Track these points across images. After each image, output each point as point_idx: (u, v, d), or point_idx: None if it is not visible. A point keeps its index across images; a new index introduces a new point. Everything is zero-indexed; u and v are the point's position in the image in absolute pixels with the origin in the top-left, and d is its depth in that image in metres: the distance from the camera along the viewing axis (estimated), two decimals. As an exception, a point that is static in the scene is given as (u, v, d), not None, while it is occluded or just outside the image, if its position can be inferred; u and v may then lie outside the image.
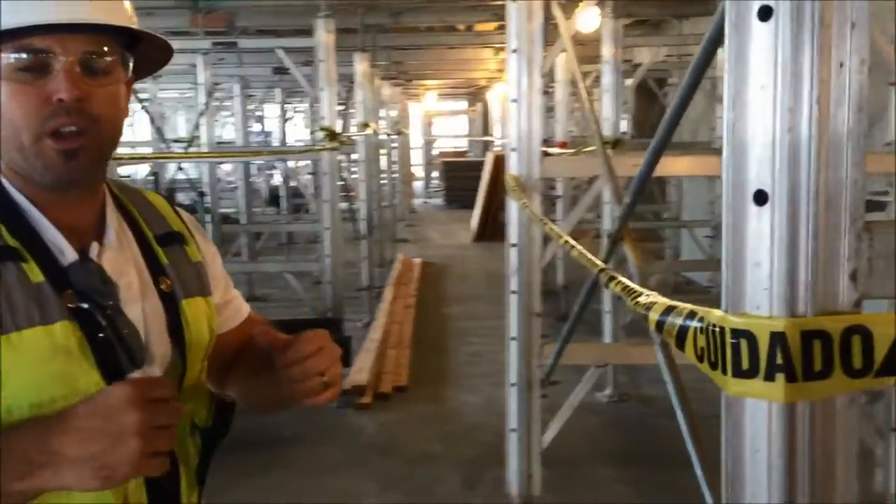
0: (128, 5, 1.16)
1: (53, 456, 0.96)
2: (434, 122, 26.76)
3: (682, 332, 1.12)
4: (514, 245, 3.66)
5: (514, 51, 3.56)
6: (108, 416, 0.96)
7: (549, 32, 3.88)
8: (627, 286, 1.53)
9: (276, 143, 13.89)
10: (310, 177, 12.45)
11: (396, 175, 14.62)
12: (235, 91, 10.57)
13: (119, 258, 1.18)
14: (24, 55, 1.07)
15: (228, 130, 18.14)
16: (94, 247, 1.15)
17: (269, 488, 4.44)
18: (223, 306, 1.35)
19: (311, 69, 6.35)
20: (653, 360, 2.40)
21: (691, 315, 1.10)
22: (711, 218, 8.21)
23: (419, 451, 4.93)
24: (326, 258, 5.96)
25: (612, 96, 5.80)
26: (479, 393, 5.85)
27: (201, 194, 8.67)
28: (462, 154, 24.19)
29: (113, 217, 1.21)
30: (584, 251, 2.18)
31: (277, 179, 15.29)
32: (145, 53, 1.19)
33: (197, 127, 8.81)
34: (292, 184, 12.79)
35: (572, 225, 4.73)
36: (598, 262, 2.03)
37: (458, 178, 18.72)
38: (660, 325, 1.23)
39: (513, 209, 3.64)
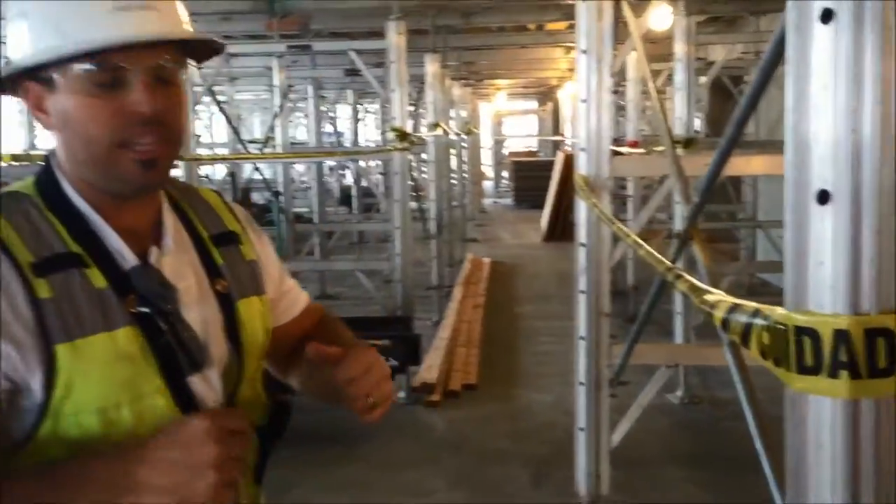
0: (182, 9, 1.17)
1: (137, 485, 0.98)
2: (504, 121, 26.75)
3: (747, 330, 1.13)
4: (582, 245, 3.67)
5: (584, 51, 3.56)
6: (189, 448, 0.99)
7: (620, 31, 3.86)
8: (694, 284, 1.54)
9: (347, 143, 14.07)
10: (381, 177, 12.58)
11: (466, 175, 14.65)
12: (309, 93, 10.74)
13: (177, 262, 1.19)
14: (96, 68, 1.08)
15: (302, 131, 18.45)
16: (154, 251, 1.17)
17: (338, 482, 4.52)
18: (279, 299, 1.37)
19: (383, 70, 6.42)
20: (723, 362, 2.37)
21: (755, 313, 1.11)
22: (788, 218, 8.01)
23: (488, 449, 4.95)
24: (397, 257, 6.03)
25: (685, 95, 5.76)
26: (549, 392, 5.85)
27: (276, 194, 8.86)
28: (532, 154, 24.10)
29: (170, 220, 1.22)
30: (652, 251, 2.18)
31: (349, 179, 15.48)
32: (194, 53, 1.21)
33: (272, 128, 9.01)
34: (364, 184, 12.94)
35: (642, 225, 4.69)
36: (665, 261, 2.03)
37: (528, 177, 18.64)
38: (725, 323, 1.25)
39: (582, 209, 3.65)
